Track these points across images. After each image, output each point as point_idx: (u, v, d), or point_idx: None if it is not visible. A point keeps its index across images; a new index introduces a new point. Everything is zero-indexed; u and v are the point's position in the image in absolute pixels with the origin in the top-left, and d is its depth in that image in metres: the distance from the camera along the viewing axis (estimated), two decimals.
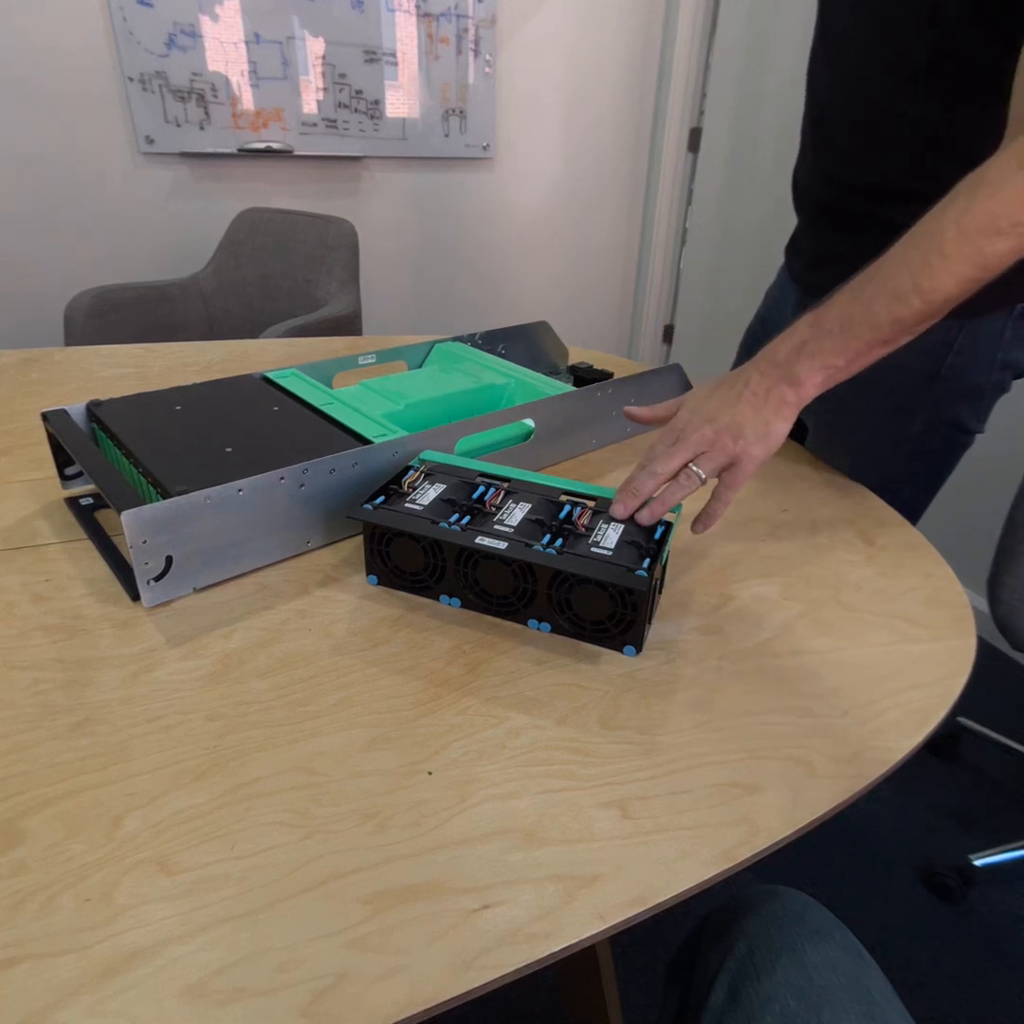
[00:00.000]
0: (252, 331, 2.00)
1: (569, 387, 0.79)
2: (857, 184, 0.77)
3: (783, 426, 0.57)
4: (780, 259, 1.07)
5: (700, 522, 0.59)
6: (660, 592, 0.57)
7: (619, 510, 0.56)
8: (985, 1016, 1.00)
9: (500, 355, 0.98)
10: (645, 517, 0.55)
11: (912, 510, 0.89)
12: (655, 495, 0.56)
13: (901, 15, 0.66)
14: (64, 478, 0.67)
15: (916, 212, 0.61)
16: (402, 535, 0.54)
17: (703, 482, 0.56)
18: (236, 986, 0.30)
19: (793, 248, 0.93)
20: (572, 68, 2.36)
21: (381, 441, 0.62)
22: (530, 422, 0.73)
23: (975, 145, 0.61)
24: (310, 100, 2.08)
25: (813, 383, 0.56)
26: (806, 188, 0.85)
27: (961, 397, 0.79)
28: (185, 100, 1.97)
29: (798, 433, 0.96)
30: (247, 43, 1.96)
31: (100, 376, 0.98)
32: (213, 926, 0.32)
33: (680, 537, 0.66)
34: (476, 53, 2.20)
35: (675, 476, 0.56)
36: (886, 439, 0.84)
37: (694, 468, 0.56)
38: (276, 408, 0.70)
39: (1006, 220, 0.50)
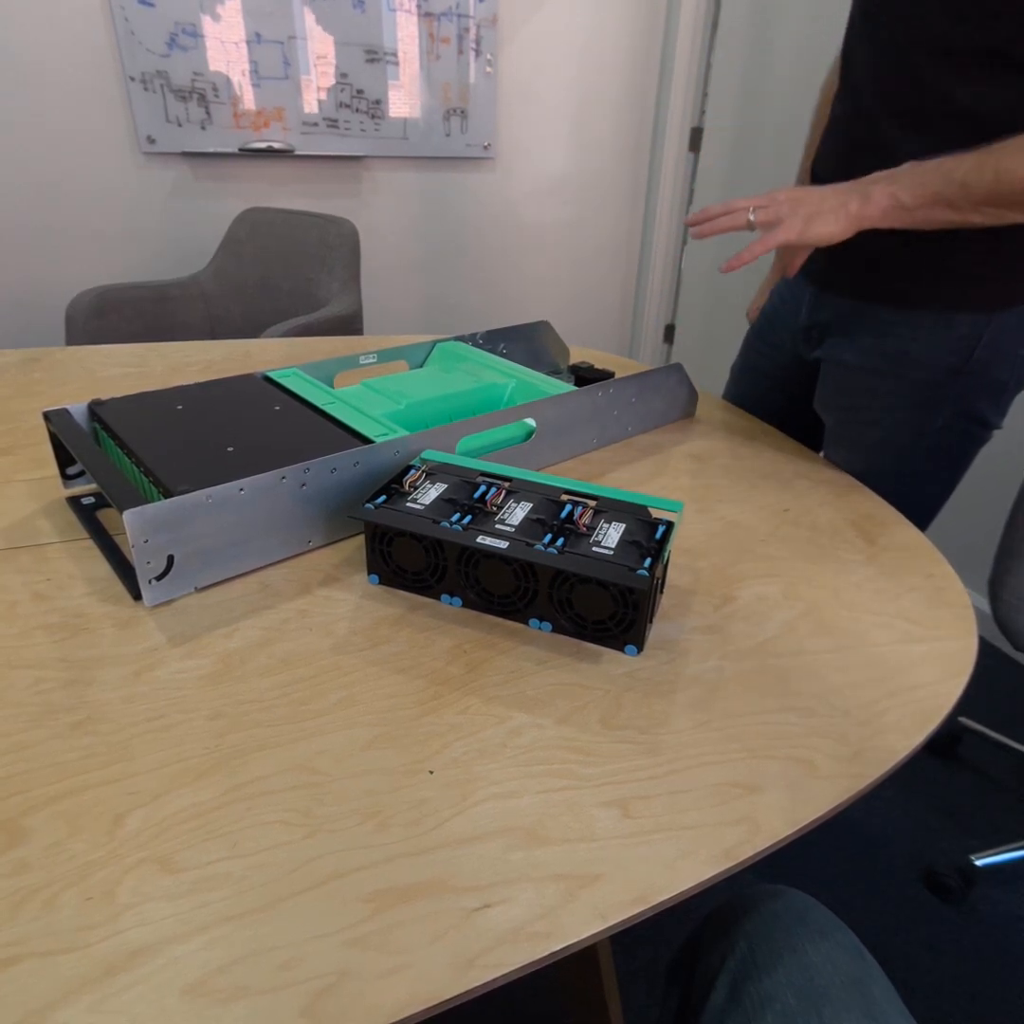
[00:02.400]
0: (253, 331, 2.00)
1: (570, 387, 0.79)
2: (886, 165, 0.76)
3: (830, 227, 0.68)
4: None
5: (728, 262, 0.70)
6: (661, 592, 0.57)
7: (694, 230, 0.73)
8: (986, 1016, 1.00)
9: (501, 355, 0.98)
10: (694, 232, 0.73)
11: (930, 506, 0.89)
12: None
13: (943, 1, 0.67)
14: (66, 477, 0.67)
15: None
16: (403, 534, 0.54)
17: (750, 225, 0.70)
18: (237, 985, 0.30)
19: None
20: (573, 68, 2.36)
21: (382, 440, 0.62)
22: (531, 422, 0.73)
23: (1010, 132, 0.62)
24: (311, 100, 2.08)
25: (877, 207, 0.67)
26: (825, 171, 0.85)
27: (984, 391, 0.79)
28: (186, 100, 1.97)
29: (809, 433, 0.97)
30: (248, 43, 1.96)
31: (101, 375, 0.98)
32: (214, 925, 0.32)
33: (682, 537, 0.66)
34: (477, 53, 2.20)
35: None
36: (907, 434, 0.83)
37: (750, 211, 0.70)
38: (277, 408, 0.70)
39: None
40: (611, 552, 0.50)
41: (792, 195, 0.69)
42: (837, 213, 0.67)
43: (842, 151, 0.81)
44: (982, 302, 0.75)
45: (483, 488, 0.58)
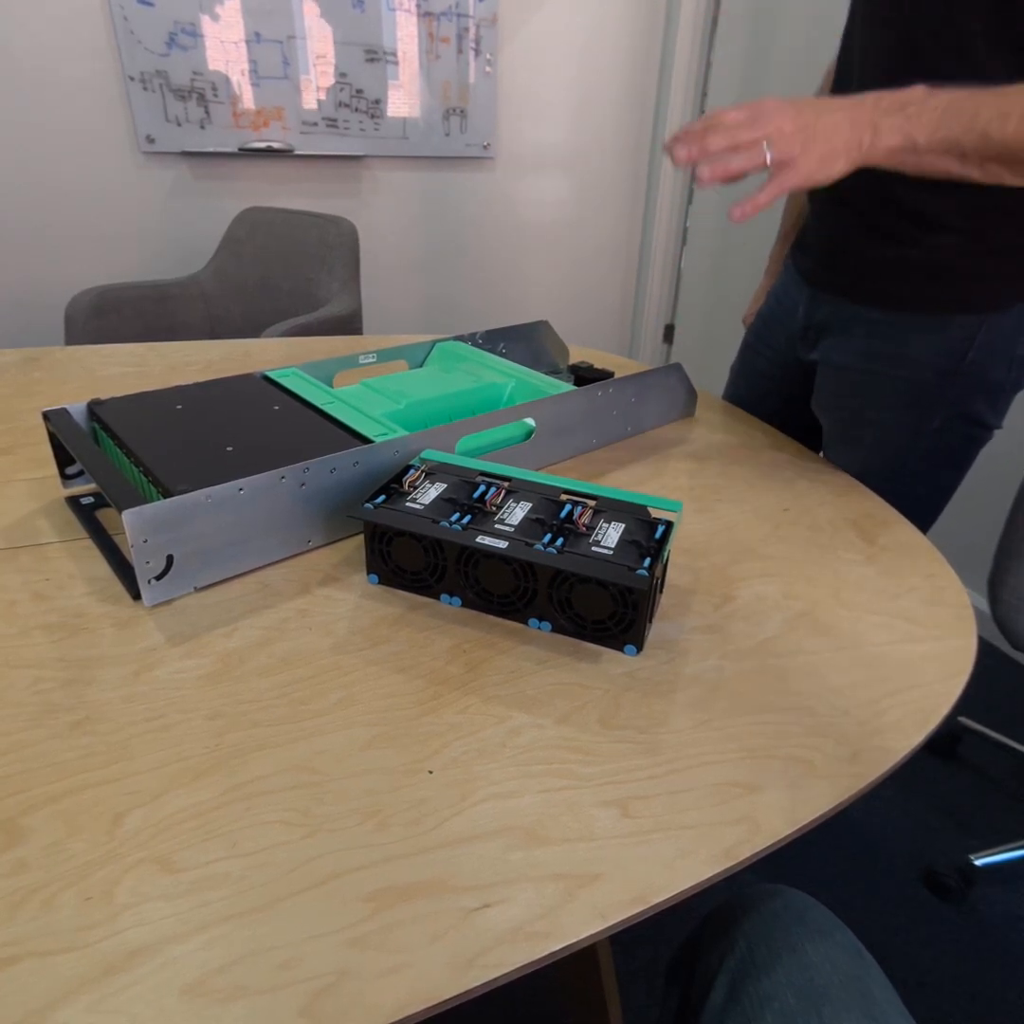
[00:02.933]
0: (253, 330, 2.00)
1: (570, 386, 0.79)
2: (882, 176, 0.76)
3: (841, 166, 0.59)
4: None
5: (741, 207, 0.59)
6: (661, 591, 0.57)
7: (681, 154, 0.57)
8: (985, 1016, 1.00)
9: (501, 354, 0.98)
10: (706, 174, 0.57)
11: (930, 507, 0.89)
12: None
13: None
14: (65, 477, 0.67)
15: (944, 203, 0.61)
16: (403, 534, 0.54)
17: (767, 165, 0.58)
18: (237, 984, 0.30)
19: (801, 245, 0.92)
20: (573, 67, 2.36)
21: (382, 440, 0.62)
22: (531, 421, 0.73)
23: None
24: (311, 99, 2.08)
25: (886, 145, 0.59)
26: (836, 187, 0.85)
27: (981, 393, 0.79)
28: (186, 99, 1.97)
29: (808, 434, 0.97)
30: (248, 42, 1.96)
31: (101, 375, 0.98)
32: (214, 925, 0.32)
33: (682, 537, 0.66)
34: (477, 52, 2.20)
35: (737, 147, 0.58)
36: (903, 436, 0.83)
37: (765, 146, 0.57)
38: (277, 407, 0.70)
39: None
40: (611, 552, 0.50)
41: (799, 123, 0.58)
42: (848, 150, 0.59)
43: None
44: (975, 304, 0.75)
45: (482, 488, 0.58)
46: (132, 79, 1.90)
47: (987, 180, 0.60)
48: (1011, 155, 0.58)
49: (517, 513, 0.55)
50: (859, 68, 0.78)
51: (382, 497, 0.56)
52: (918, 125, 0.59)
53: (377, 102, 2.14)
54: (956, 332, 0.77)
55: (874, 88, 0.76)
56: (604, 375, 0.96)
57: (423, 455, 0.64)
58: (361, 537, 0.63)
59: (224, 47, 1.95)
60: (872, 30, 0.76)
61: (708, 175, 0.58)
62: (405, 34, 2.10)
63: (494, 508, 0.55)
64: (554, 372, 1.02)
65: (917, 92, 0.59)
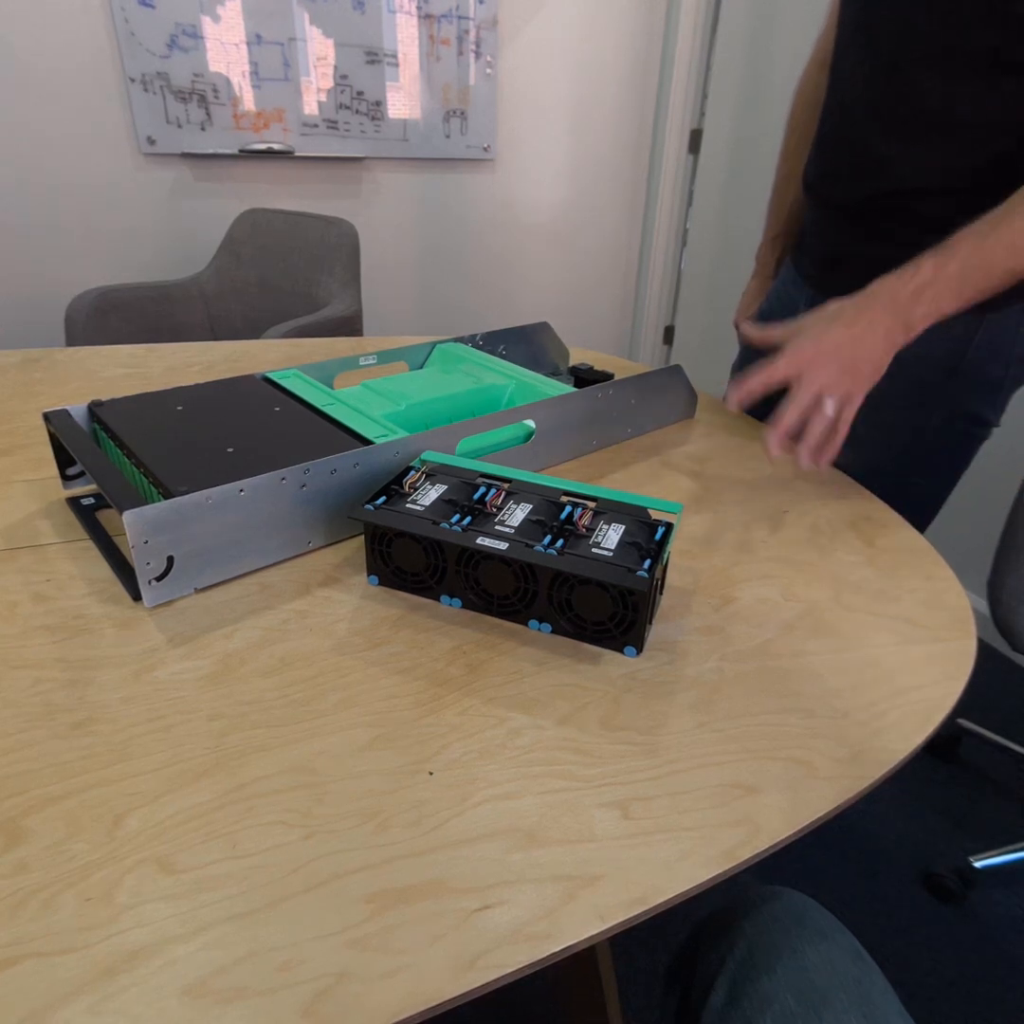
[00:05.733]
0: (253, 332, 2.00)
1: (570, 388, 0.79)
2: (881, 180, 0.76)
3: (886, 362, 0.64)
4: None
5: (825, 455, 0.65)
6: (661, 593, 0.57)
7: (733, 403, 0.65)
8: (985, 1017, 1.00)
9: (501, 356, 0.98)
10: (806, 458, 0.64)
11: (929, 505, 0.89)
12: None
13: (942, 5, 0.66)
14: (65, 478, 0.67)
15: (943, 204, 0.62)
16: (403, 535, 0.54)
17: (831, 421, 0.63)
18: (237, 986, 0.30)
19: (800, 248, 0.92)
20: (573, 69, 2.37)
21: (382, 442, 0.62)
22: (531, 423, 0.73)
23: (1006, 140, 0.61)
24: (311, 101, 2.08)
25: (922, 327, 0.63)
26: (819, 185, 0.85)
27: (979, 391, 0.79)
28: (186, 101, 1.97)
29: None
30: (248, 44, 1.97)
31: (101, 376, 0.98)
32: (214, 925, 0.32)
33: (682, 538, 0.66)
34: (477, 54, 2.20)
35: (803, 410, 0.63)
36: (905, 434, 0.84)
37: (826, 407, 0.63)
38: (277, 408, 0.70)
39: None
40: (611, 553, 0.50)
41: (841, 365, 0.63)
42: (889, 353, 0.64)
43: (839, 169, 0.81)
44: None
45: (483, 489, 0.58)
46: (133, 80, 1.91)
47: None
48: None
49: (517, 514, 0.55)
50: (844, 80, 0.78)
51: (382, 498, 0.56)
52: (944, 301, 0.62)
53: (377, 104, 2.15)
54: (955, 330, 0.77)
55: (856, 98, 0.76)
56: (604, 377, 0.97)
57: (423, 456, 0.64)
58: (361, 538, 0.63)
59: (225, 49, 1.95)
60: (851, 49, 0.77)
61: (806, 458, 0.65)
62: (406, 36, 2.10)
63: (494, 509, 0.56)
64: (554, 374, 1.02)
65: (927, 270, 0.61)
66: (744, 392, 0.65)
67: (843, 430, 0.65)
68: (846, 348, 0.63)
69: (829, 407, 0.63)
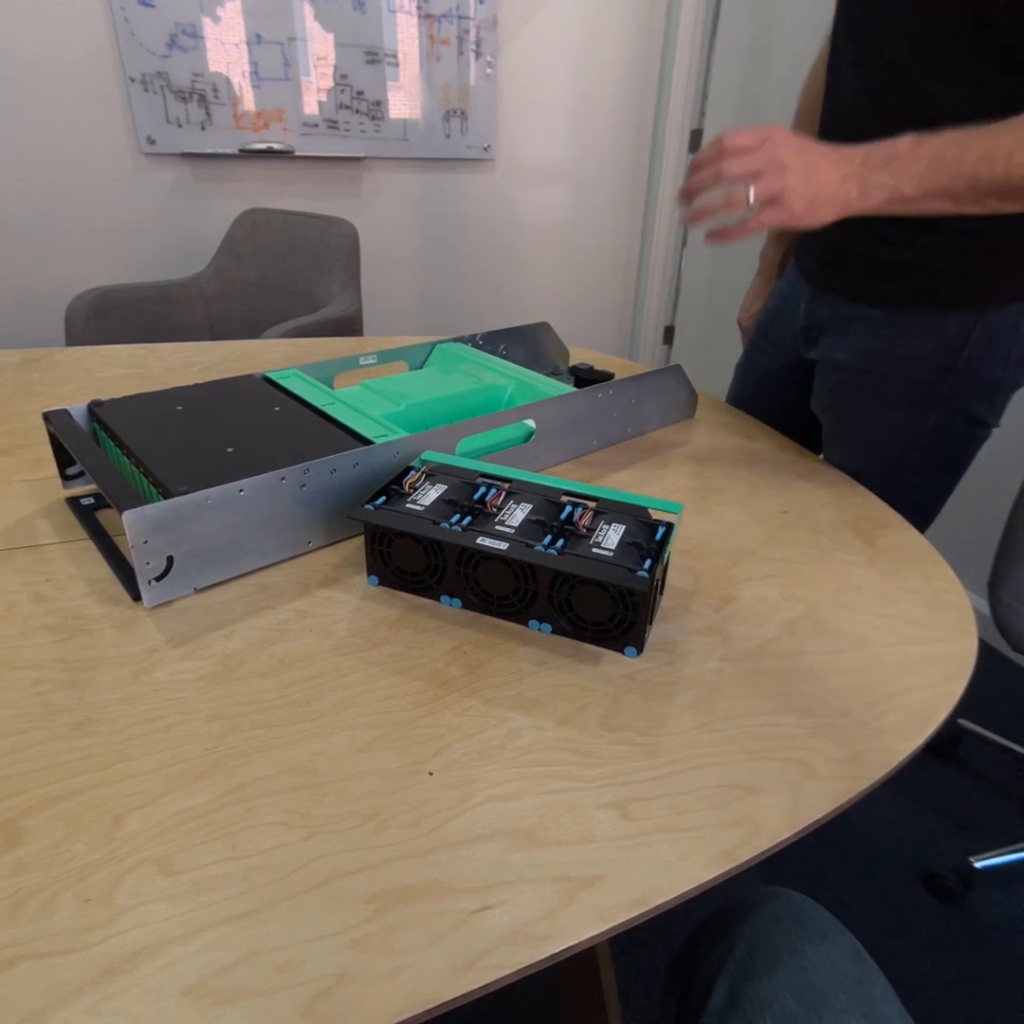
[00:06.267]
0: (253, 331, 2.00)
1: (570, 388, 0.79)
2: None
3: (828, 215, 0.62)
4: None
5: (719, 235, 0.63)
6: (661, 593, 0.57)
7: (686, 194, 0.63)
8: (985, 1017, 1.00)
9: (501, 356, 0.98)
10: (688, 216, 0.63)
11: (929, 506, 0.89)
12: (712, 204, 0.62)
13: (940, 4, 0.65)
14: (65, 478, 0.67)
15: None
16: (403, 535, 0.54)
17: (748, 205, 0.61)
18: (236, 986, 0.30)
19: (802, 245, 0.92)
20: (573, 69, 2.37)
21: (382, 442, 0.62)
22: (531, 423, 0.73)
23: None
24: (311, 101, 2.08)
25: (873, 201, 0.62)
26: None
27: (978, 391, 0.79)
28: (186, 101, 1.97)
29: (812, 432, 0.97)
30: (248, 44, 1.97)
31: (101, 376, 0.98)
32: (213, 926, 0.32)
33: (682, 538, 0.66)
34: (477, 54, 2.20)
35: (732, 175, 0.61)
36: (902, 433, 0.84)
37: (749, 187, 0.60)
38: (277, 408, 0.70)
39: None
40: (611, 553, 0.50)
41: (796, 162, 0.60)
42: (835, 203, 0.62)
43: None
44: (971, 302, 0.76)
45: (483, 489, 0.58)
46: (133, 80, 1.91)
47: (985, 213, 0.62)
48: (1003, 192, 0.60)
49: (517, 514, 0.55)
50: (842, 77, 0.79)
51: (382, 498, 0.56)
52: (904, 178, 0.61)
53: (378, 104, 2.14)
54: (953, 330, 0.77)
55: (854, 94, 0.76)
56: (604, 377, 0.96)
57: (423, 456, 0.64)
58: (361, 538, 0.63)
59: (225, 48, 1.95)
60: (847, 50, 0.77)
61: (690, 219, 0.64)
62: (406, 36, 2.10)
63: (494, 509, 0.55)
64: (554, 373, 1.02)
65: (903, 144, 0.61)
66: (695, 162, 0.62)
67: (752, 226, 0.62)
68: (813, 156, 0.61)
69: (752, 195, 0.61)
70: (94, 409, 0.68)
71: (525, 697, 0.47)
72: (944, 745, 1.43)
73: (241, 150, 2.06)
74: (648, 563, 0.49)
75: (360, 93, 2.11)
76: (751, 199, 0.60)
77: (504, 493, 0.58)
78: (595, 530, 0.53)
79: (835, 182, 0.61)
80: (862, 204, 0.62)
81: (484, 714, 0.45)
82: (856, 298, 0.83)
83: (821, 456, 0.92)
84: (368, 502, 0.56)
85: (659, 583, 0.53)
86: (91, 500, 0.67)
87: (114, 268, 2.10)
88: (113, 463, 0.59)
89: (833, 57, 0.81)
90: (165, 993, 0.30)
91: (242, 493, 0.55)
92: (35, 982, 0.30)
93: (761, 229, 0.62)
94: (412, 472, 0.60)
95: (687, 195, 0.64)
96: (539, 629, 0.53)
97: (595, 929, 0.33)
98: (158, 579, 0.52)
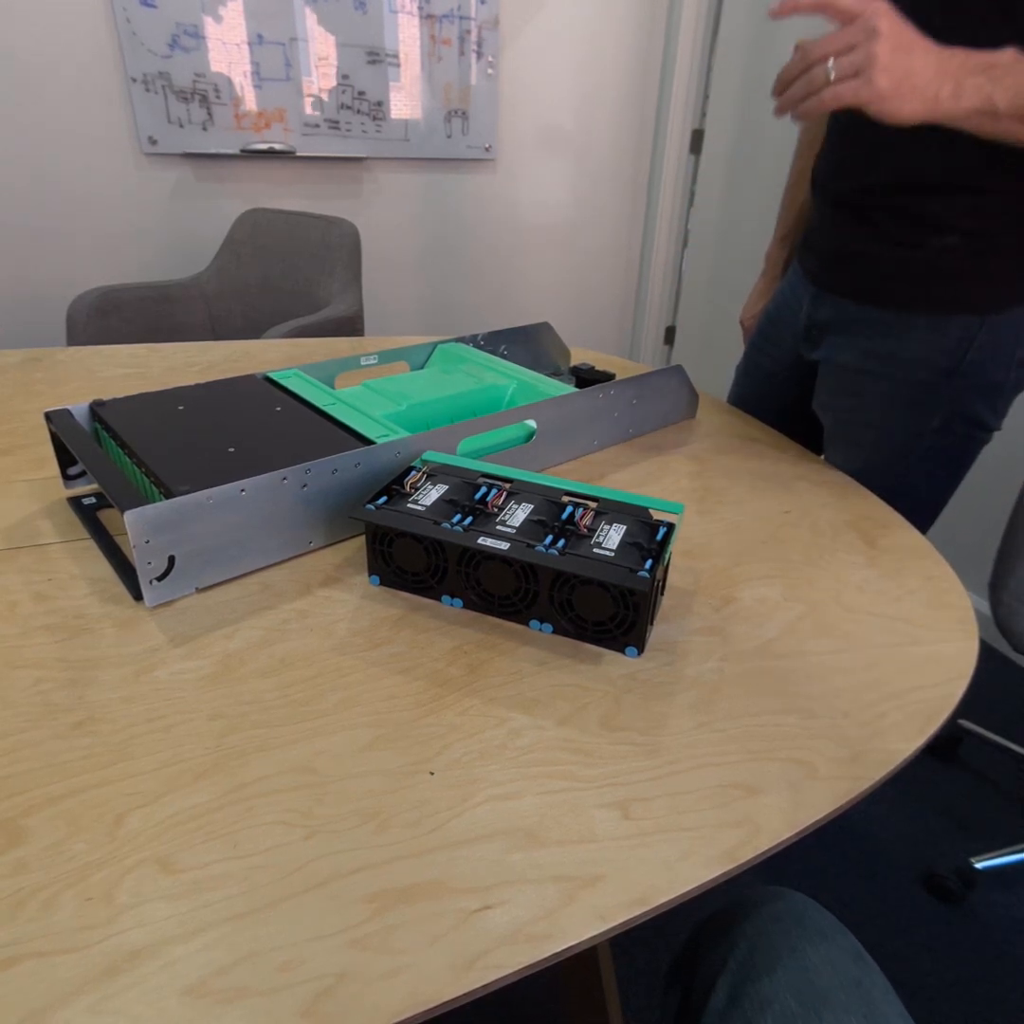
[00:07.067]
0: (254, 331, 2.00)
1: (571, 388, 0.79)
2: (886, 175, 0.76)
3: (914, 108, 0.57)
4: None
5: (788, 107, 0.59)
6: (662, 593, 0.57)
7: (775, 5, 0.57)
8: (985, 1017, 1.00)
9: (502, 356, 0.98)
10: (779, 106, 0.58)
11: (930, 507, 0.89)
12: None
13: None
14: (67, 477, 0.67)
15: (946, 204, 0.60)
16: (404, 535, 0.54)
17: (828, 80, 0.56)
18: (237, 986, 0.30)
19: (805, 245, 0.92)
20: (574, 70, 2.37)
21: (383, 442, 0.62)
22: (532, 423, 0.73)
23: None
24: (312, 101, 2.08)
25: (966, 106, 0.58)
26: (826, 180, 0.85)
27: (980, 393, 0.79)
28: (188, 101, 1.97)
29: (813, 433, 0.97)
30: (250, 44, 1.97)
31: (102, 376, 0.98)
32: (214, 926, 0.32)
33: (683, 538, 0.66)
34: (479, 54, 2.20)
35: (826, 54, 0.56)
36: (904, 435, 0.84)
37: (830, 65, 0.56)
38: (278, 408, 0.70)
39: None
40: (612, 553, 0.50)
41: (893, 32, 0.55)
42: (924, 96, 0.57)
43: (846, 162, 0.81)
44: (976, 304, 0.76)
45: (484, 489, 0.58)
46: (134, 80, 1.91)
47: None
48: None
49: (518, 515, 0.55)
50: None
51: (383, 498, 0.56)
52: (1001, 88, 0.57)
53: (379, 104, 2.14)
54: (956, 332, 0.77)
55: None
56: (605, 377, 0.97)
57: (424, 456, 0.64)
58: (362, 538, 0.63)
59: (226, 49, 1.95)
60: None
61: (781, 108, 0.58)
62: (407, 36, 2.10)
63: (495, 509, 0.55)
64: (555, 374, 1.02)
65: (1006, 55, 0.58)
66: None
67: (829, 99, 0.57)
68: (908, 34, 0.57)
69: (832, 71, 0.56)
70: (96, 409, 0.68)
71: (526, 697, 0.47)
72: (945, 745, 1.43)
73: (242, 150, 2.06)
74: (649, 563, 0.49)
75: (361, 93, 2.12)
76: (832, 75, 0.56)
77: (505, 493, 0.58)
78: (596, 530, 0.53)
79: (931, 69, 0.57)
80: (953, 104, 0.58)
81: (485, 714, 0.45)
82: (860, 299, 0.83)
83: (822, 457, 0.92)
84: (369, 502, 0.56)
85: (660, 583, 0.53)
86: (93, 500, 0.67)
87: (115, 268, 2.10)
88: (115, 463, 0.59)
89: None
90: (166, 992, 0.30)
91: (243, 493, 0.55)
92: (36, 981, 0.30)
93: (838, 104, 0.57)
94: (413, 472, 0.60)
95: (783, 85, 0.59)
96: (540, 629, 0.53)
97: (595, 929, 0.33)
98: (159, 579, 0.53)
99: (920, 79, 0.57)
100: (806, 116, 0.59)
